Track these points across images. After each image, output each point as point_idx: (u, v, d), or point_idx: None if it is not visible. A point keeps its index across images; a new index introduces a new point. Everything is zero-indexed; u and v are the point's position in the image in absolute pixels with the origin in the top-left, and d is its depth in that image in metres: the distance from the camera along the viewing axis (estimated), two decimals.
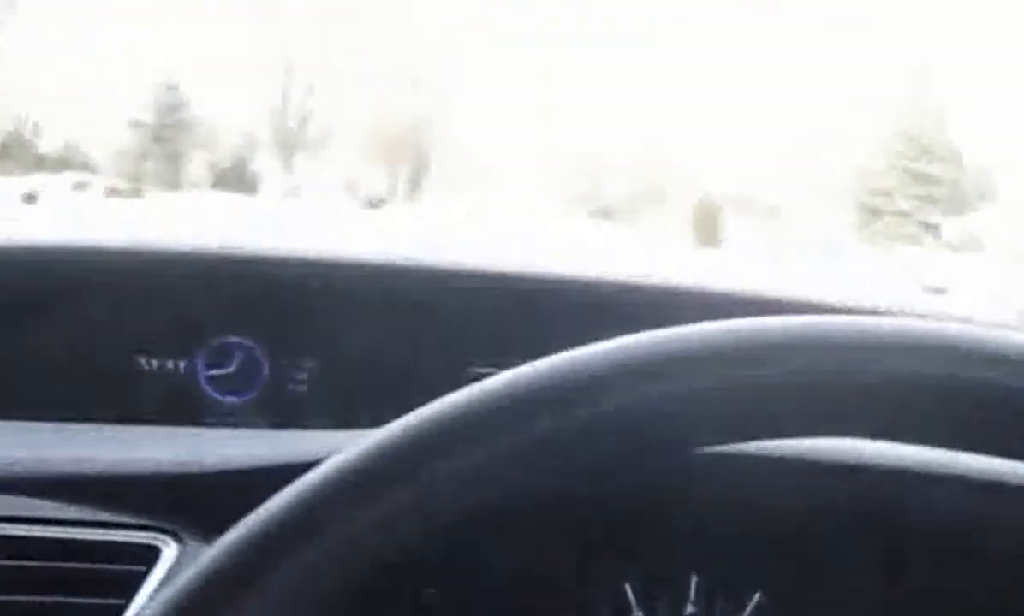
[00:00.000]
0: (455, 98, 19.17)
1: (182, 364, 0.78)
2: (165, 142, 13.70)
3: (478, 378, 0.42)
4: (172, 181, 13.56)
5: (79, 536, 0.52)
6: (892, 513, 0.52)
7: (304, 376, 0.78)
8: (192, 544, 0.52)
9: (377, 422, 0.42)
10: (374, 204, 19.69)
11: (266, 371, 0.78)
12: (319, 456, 0.42)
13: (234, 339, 0.78)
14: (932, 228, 14.60)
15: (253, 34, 12.88)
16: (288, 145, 13.80)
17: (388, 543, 0.28)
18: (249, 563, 0.28)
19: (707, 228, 18.05)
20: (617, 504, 0.46)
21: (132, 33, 13.07)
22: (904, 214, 14.19)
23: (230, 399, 0.78)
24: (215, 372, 0.78)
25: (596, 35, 16.73)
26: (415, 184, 20.99)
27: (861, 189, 15.04)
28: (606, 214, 25.31)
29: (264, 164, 20.54)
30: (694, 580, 0.53)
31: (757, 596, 0.53)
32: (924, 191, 14.26)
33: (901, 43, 14.57)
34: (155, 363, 0.77)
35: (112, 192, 11.32)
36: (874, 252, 13.78)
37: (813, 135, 15.29)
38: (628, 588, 0.52)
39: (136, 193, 11.75)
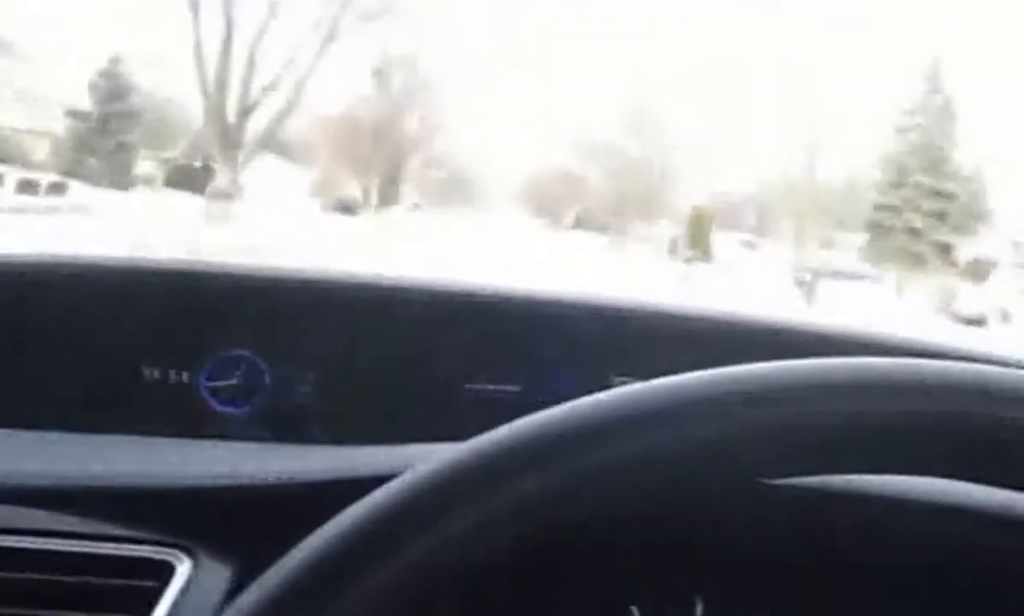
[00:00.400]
0: (431, 96, 18.21)
1: (184, 376, 0.79)
2: (109, 134, 12.27)
3: (473, 395, 0.64)
4: (120, 179, 12.18)
5: (92, 550, 0.52)
6: (893, 540, 0.53)
7: (305, 389, 0.79)
8: (205, 560, 0.52)
9: (377, 436, 0.55)
10: (347, 209, 18.75)
11: (267, 384, 0.79)
12: (328, 473, 0.52)
13: (236, 352, 0.79)
14: (944, 248, 13.52)
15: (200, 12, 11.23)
16: (228, 140, 12.12)
17: (439, 566, 0.30)
18: (331, 575, 0.29)
19: (701, 241, 17.25)
20: (627, 529, 0.44)
21: (76, 8, 11.65)
22: (915, 232, 13.11)
23: (231, 411, 0.79)
24: (216, 384, 0.79)
25: (576, 28, 15.61)
26: (389, 189, 20.07)
27: (868, 203, 13.96)
28: (588, 224, 24.52)
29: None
30: (699, 604, 0.54)
31: None
32: (937, 207, 13.18)
33: (910, 38, 13.47)
34: (157, 375, 0.79)
35: (26, 187, 10.06)
36: (885, 274, 12.76)
37: (814, 141, 14.21)
38: (636, 611, 0.54)
39: (57, 189, 10.50)
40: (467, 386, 0.80)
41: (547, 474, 0.30)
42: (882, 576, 0.53)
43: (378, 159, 19.18)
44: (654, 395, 0.30)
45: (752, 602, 0.53)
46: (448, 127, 19.25)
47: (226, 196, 11.31)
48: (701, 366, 0.32)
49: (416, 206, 24.27)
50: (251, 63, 11.86)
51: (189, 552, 0.52)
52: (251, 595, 0.29)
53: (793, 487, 0.40)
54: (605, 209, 22.77)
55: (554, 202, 25.64)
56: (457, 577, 0.30)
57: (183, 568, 0.51)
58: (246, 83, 12.00)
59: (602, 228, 23.72)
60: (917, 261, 13.27)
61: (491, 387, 0.80)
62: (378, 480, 0.31)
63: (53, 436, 0.66)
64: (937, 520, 0.50)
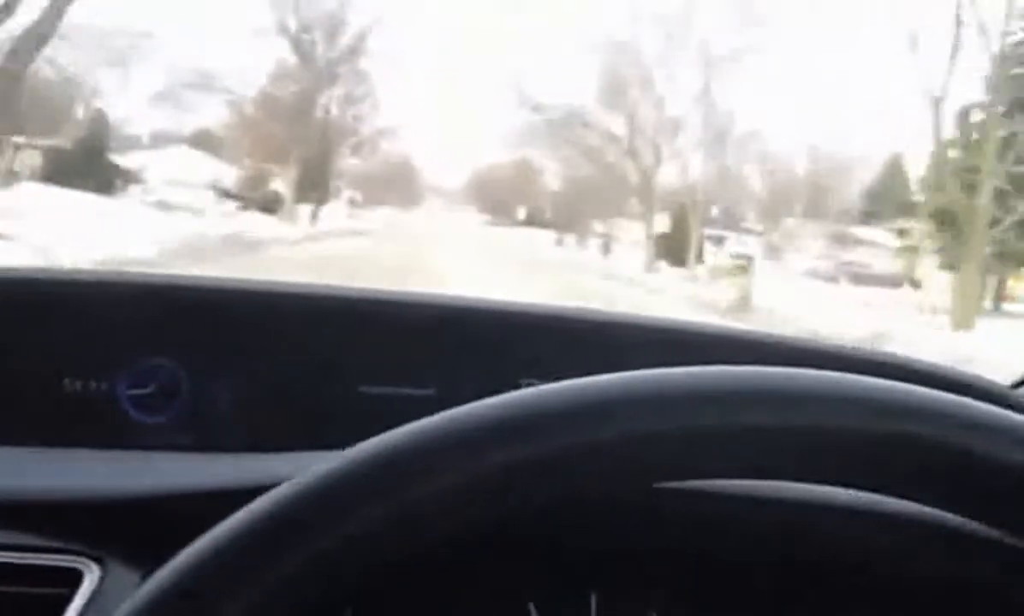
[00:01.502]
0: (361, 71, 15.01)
1: (102, 385, 0.79)
2: None
3: (388, 399, 0.73)
4: None
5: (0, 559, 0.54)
6: (785, 539, 0.54)
7: (221, 397, 0.80)
8: (115, 568, 0.53)
9: (294, 442, 0.59)
10: (265, 208, 16.61)
11: (185, 392, 0.81)
12: (239, 482, 0.55)
13: (154, 361, 0.80)
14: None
15: None
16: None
17: (323, 577, 0.31)
18: (207, 587, 0.30)
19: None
20: (518, 528, 0.46)
21: None
22: (998, 237, 9.94)
23: (150, 419, 0.79)
24: (135, 392, 0.79)
25: None
26: (318, 182, 17.07)
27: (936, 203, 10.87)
28: (543, 221, 21.69)
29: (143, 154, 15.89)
30: (594, 598, 0.55)
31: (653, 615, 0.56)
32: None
33: None
34: (76, 385, 0.78)
35: None
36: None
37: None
38: (532, 607, 0.55)
39: None
40: (383, 391, 0.80)
41: (429, 482, 0.30)
42: (777, 574, 0.53)
43: (301, 146, 16.14)
44: (538, 400, 0.31)
45: (645, 597, 0.54)
46: (383, 104, 16.53)
47: None
48: (609, 369, 0.33)
49: (352, 202, 21.31)
50: None
51: (99, 560, 0.53)
52: (129, 602, 0.30)
53: (681, 487, 0.41)
54: (565, 203, 20.15)
55: (506, 195, 22.77)
56: (349, 580, 0.31)
57: (91, 575, 0.52)
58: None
59: (560, 225, 21.00)
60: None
61: (405, 391, 0.80)
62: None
63: None
64: (813, 518, 0.51)
